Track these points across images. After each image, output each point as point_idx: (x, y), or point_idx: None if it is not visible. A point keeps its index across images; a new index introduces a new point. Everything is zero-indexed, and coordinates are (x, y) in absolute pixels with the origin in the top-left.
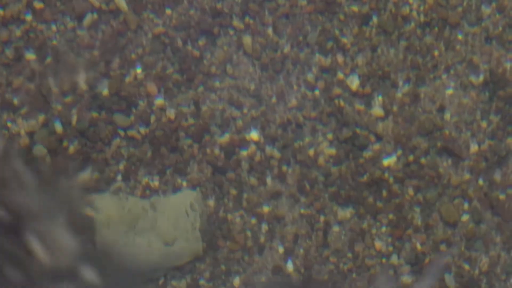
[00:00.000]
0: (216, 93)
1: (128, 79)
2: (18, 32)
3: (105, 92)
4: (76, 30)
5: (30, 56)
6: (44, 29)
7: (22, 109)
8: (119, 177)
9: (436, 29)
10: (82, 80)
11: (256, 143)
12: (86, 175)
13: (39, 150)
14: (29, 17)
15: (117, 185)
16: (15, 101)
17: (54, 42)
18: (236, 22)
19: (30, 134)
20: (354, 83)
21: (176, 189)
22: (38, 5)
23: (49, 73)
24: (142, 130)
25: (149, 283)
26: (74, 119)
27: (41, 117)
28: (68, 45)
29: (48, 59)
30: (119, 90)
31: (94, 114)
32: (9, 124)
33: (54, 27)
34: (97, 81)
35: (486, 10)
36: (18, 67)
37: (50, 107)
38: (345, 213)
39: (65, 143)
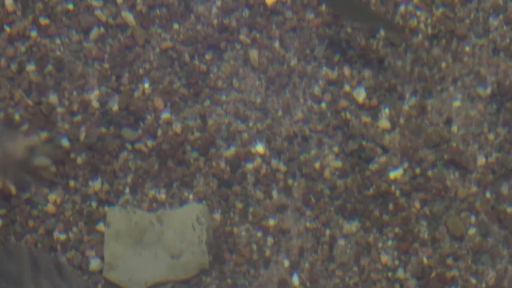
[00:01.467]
0: (222, 106)
1: (136, 94)
2: (23, 48)
3: (115, 107)
4: (82, 43)
5: (31, 67)
6: (48, 43)
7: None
8: (127, 190)
9: (444, 41)
10: (94, 97)
11: (262, 156)
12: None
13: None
14: (34, 33)
15: (125, 198)
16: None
17: (58, 53)
18: (242, 37)
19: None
20: (360, 95)
21: (183, 202)
22: (43, 21)
23: (53, 86)
24: (149, 143)
25: None
26: (82, 135)
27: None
28: (73, 56)
29: (49, 69)
30: (129, 105)
31: (103, 129)
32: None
33: (58, 41)
34: (109, 97)
35: (493, 22)
36: (19, 79)
37: (55, 124)
38: (351, 226)
39: (72, 155)
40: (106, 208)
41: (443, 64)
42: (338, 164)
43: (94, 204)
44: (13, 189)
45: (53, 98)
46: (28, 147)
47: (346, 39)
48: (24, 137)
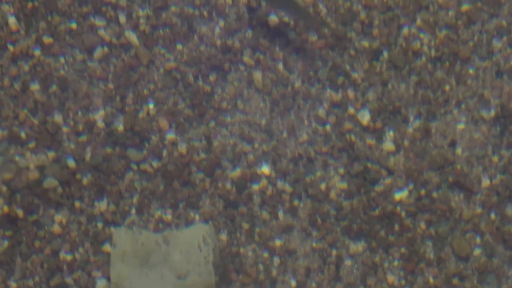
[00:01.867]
0: (227, 128)
1: (141, 114)
2: (26, 67)
3: (120, 128)
4: (86, 62)
5: (35, 86)
6: (52, 62)
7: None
8: (133, 211)
9: (447, 63)
10: (99, 117)
11: (268, 177)
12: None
13: (50, 182)
14: (37, 52)
15: (131, 219)
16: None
17: (62, 72)
18: (246, 58)
19: (40, 168)
20: (365, 118)
21: (189, 222)
22: (47, 40)
23: (58, 107)
24: (155, 164)
25: None
26: (88, 155)
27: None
28: (78, 75)
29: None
30: (134, 125)
31: (109, 150)
32: (17, 158)
33: (62, 60)
34: (114, 117)
35: (497, 44)
36: (23, 98)
37: (61, 144)
38: (357, 247)
39: (78, 176)
40: (112, 229)
41: (447, 87)
42: (344, 185)
43: (100, 225)
44: (20, 214)
45: (58, 118)
46: (38, 166)
47: (350, 62)
48: (32, 155)
